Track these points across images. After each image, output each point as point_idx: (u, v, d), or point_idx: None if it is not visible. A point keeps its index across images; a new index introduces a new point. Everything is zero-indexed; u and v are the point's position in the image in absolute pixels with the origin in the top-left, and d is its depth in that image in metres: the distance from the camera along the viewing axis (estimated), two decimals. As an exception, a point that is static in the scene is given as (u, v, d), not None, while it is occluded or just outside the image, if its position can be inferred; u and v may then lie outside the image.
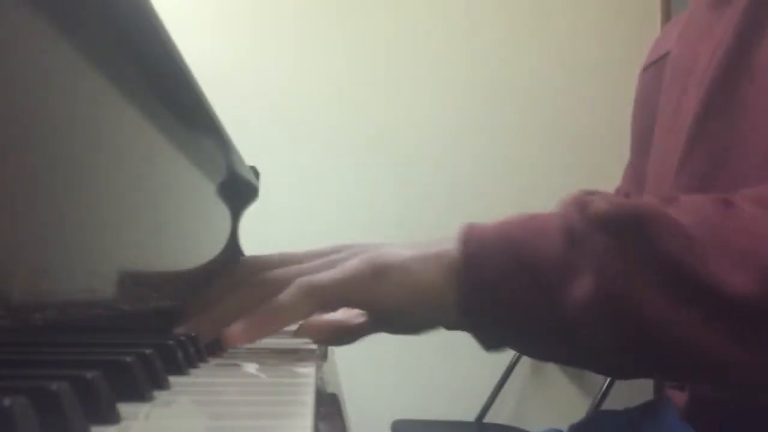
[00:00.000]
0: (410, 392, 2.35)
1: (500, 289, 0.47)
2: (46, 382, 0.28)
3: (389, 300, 0.50)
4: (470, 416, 2.30)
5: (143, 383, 0.36)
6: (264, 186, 1.26)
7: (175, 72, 0.68)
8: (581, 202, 0.48)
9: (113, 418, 0.31)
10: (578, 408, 2.10)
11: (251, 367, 0.52)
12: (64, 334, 0.51)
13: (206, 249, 1.07)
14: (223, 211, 1.16)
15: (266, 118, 2.39)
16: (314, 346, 0.65)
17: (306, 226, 2.34)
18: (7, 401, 0.24)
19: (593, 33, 2.47)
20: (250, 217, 1.23)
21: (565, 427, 0.84)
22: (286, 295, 0.50)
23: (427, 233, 2.41)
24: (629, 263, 0.45)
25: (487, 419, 2.31)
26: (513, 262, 0.47)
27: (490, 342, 0.50)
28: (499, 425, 2.31)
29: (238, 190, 1.18)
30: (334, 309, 0.53)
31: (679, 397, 0.66)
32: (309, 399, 0.38)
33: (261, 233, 1.51)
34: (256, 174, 1.23)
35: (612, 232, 0.46)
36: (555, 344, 0.49)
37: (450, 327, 0.52)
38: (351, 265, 0.51)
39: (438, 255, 0.50)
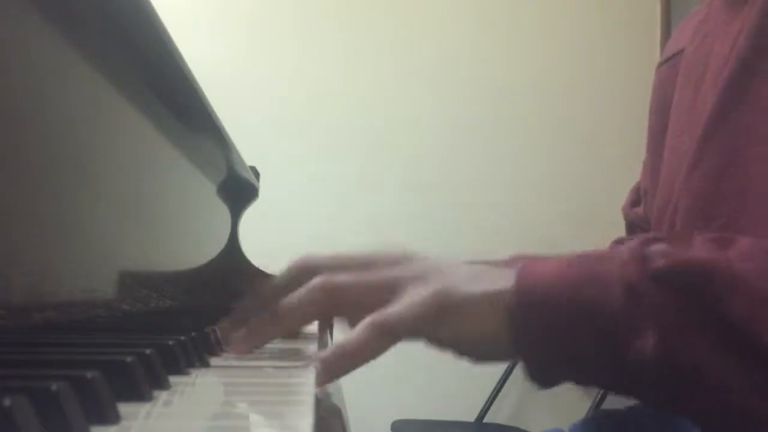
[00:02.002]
0: (410, 392, 2.35)
1: (557, 339, 0.48)
2: (46, 382, 0.28)
3: (450, 341, 0.51)
4: (470, 416, 2.30)
5: (143, 383, 0.36)
6: (264, 186, 1.26)
7: (175, 72, 0.68)
8: (641, 257, 0.47)
9: (113, 418, 0.31)
10: (578, 408, 2.10)
11: (251, 367, 0.52)
12: (64, 334, 0.51)
13: (206, 249, 1.07)
14: (223, 211, 1.16)
15: (266, 118, 2.39)
16: (314, 347, 0.65)
17: (306, 226, 2.34)
18: (7, 401, 0.24)
19: (595, 30, 2.48)
20: (250, 217, 1.23)
21: (565, 427, 0.84)
22: (361, 337, 0.49)
23: (429, 234, 2.39)
24: (693, 325, 0.44)
25: (487, 419, 2.31)
26: (570, 313, 0.47)
27: (544, 382, 0.50)
28: (499, 425, 2.31)
29: (238, 190, 1.18)
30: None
31: None
32: (309, 399, 0.38)
33: (261, 233, 1.51)
34: (256, 174, 1.24)
35: (673, 290, 0.45)
36: (610, 386, 0.50)
37: (504, 362, 0.54)
38: (419, 300, 0.50)
39: (496, 296, 0.49)
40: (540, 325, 0.48)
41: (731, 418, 0.45)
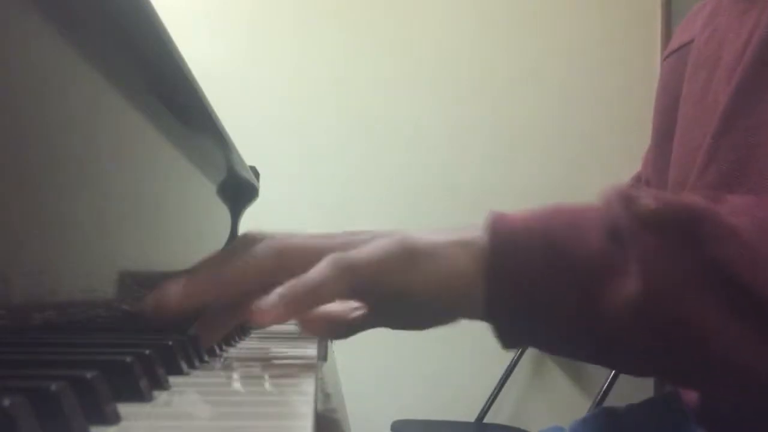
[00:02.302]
0: (410, 392, 2.35)
1: (530, 282, 0.44)
2: (46, 382, 0.28)
3: (419, 287, 0.45)
4: (470, 416, 2.30)
5: (143, 383, 0.36)
6: (264, 186, 1.26)
7: (175, 72, 0.68)
8: (627, 197, 0.44)
9: (113, 418, 0.31)
10: (579, 407, 2.10)
11: (251, 367, 0.52)
12: (64, 334, 0.51)
13: (206, 249, 1.07)
14: (223, 211, 1.16)
15: (266, 118, 2.39)
16: (314, 348, 0.65)
17: (306, 226, 2.33)
18: (7, 401, 0.24)
19: (595, 30, 2.48)
20: (250, 217, 1.23)
21: (566, 426, 0.84)
22: (318, 272, 0.44)
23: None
24: (678, 267, 0.42)
25: (487, 419, 2.31)
26: (546, 254, 0.44)
27: (510, 337, 0.46)
28: (499, 425, 2.31)
29: (238, 190, 1.18)
30: (354, 296, 0.46)
31: (690, 396, 0.66)
32: (309, 399, 0.38)
33: (261, 233, 1.51)
34: (256, 174, 1.24)
35: (660, 231, 0.42)
36: (583, 343, 0.46)
37: (474, 318, 0.47)
38: (383, 245, 0.46)
39: (467, 242, 0.46)
40: (514, 272, 0.44)
41: (710, 371, 0.43)
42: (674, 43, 0.79)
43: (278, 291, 0.44)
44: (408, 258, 0.45)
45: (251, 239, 0.50)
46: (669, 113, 0.75)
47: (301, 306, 0.45)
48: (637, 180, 0.88)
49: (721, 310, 0.41)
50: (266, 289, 0.46)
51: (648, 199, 0.44)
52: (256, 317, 0.45)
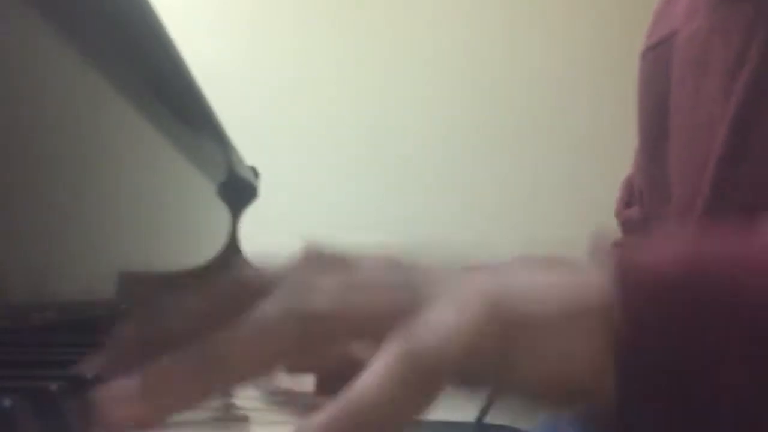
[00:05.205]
0: (410, 392, 2.35)
1: (689, 371, 0.29)
2: (46, 382, 0.28)
3: (524, 380, 0.31)
4: (470, 416, 2.30)
5: (143, 383, 0.36)
6: (264, 186, 1.26)
7: (175, 72, 0.68)
8: None
9: (113, 418, 0.31)
10: (578, 408, 2.10)
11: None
12: (64, 334, 0.51)
13: (206, 249, 1.07)
14: (222, 211, 1.16)
15: (266, 118, 2.39)
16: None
17: (306, 226, 2.33)
18: (7, 401, 0.24)
19: (593, 29, 2.47)
20: (250, 217, 1.23)
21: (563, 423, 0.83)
22: (384, 390, 0.28)
23: (429, 234, 2.38)
24: None
25: (487, 419, 2.31)
26: (711, 324, 0.28)
27: None
28: (499, 425, 2.31)
29: (238, 190, 1.18)
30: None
31: None
32: (309, 399, 0.38)
33: (261, 233, 1.51)
34: (256, 174, 1.23)
35: None
36: None
37: (596, 413, 0.33)
38: (467, 317, 0.28)
39: (586, 302, 0.29)
40: (663, 353, 0.28)
41: None
42: (653, 37, 0.73)
43: (327, 417, 0.27)
44: (507, 336, 0.29)
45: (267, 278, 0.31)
46: (657, 117, 0.70)
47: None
48: (629, 189, 0.83)
49: None
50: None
51: None
52: None
